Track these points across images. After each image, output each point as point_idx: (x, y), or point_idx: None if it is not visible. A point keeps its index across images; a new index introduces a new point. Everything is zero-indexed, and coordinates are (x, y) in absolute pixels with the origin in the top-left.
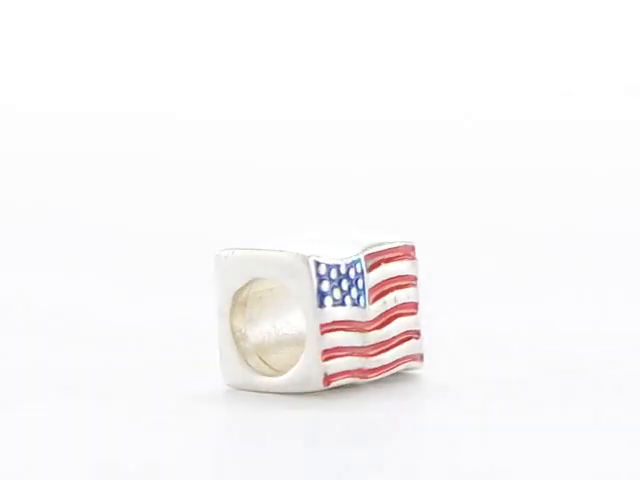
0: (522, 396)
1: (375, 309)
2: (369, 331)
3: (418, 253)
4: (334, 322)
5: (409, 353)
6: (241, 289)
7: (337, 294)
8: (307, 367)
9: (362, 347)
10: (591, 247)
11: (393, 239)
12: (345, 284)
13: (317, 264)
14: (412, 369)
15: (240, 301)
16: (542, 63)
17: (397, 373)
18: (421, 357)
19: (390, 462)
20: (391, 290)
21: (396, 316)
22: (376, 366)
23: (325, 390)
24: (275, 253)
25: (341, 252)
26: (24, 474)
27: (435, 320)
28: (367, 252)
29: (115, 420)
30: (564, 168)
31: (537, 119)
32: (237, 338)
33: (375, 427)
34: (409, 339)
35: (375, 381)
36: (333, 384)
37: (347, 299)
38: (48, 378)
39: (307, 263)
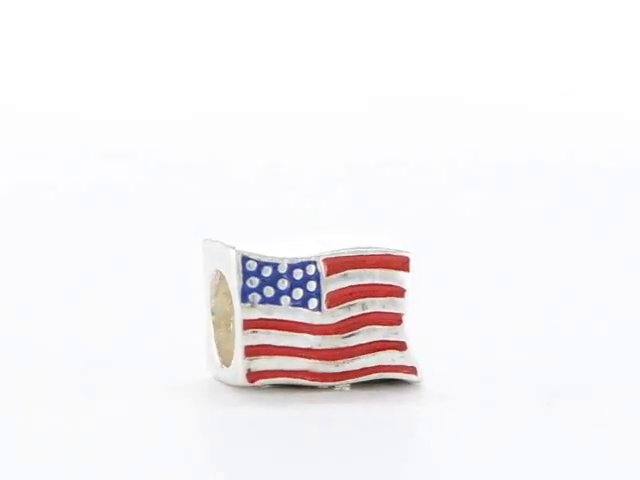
0: (516, 399)
1: (336, 314)
2: (325, 334)
3: (421, 261)
4: (261, 319)
5: (387, 363)
6: (215, 279)
7: (269, 292)
8: (235, 362)
9: (311, 350)
10: (585, 249)
11: (376, 247)
12: (284, 283)
13: (245, 259)
14: (405, 381)
15: (223, 291)
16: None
17: (390, 380)
18: (413, 370)
19: (384, 464)
20: (359, 297)
21: (365, 324)
22: (336, 371)
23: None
24: (222, 246)
25: (294, 253)
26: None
27: (430, 324)
28: (327, 256)
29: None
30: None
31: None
32: (216, 326)
33: (368, 428)
34: (385, 349)
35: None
36: (262, 382)
37: (283, 299)
38: (37, 366)
39: (236, 257)
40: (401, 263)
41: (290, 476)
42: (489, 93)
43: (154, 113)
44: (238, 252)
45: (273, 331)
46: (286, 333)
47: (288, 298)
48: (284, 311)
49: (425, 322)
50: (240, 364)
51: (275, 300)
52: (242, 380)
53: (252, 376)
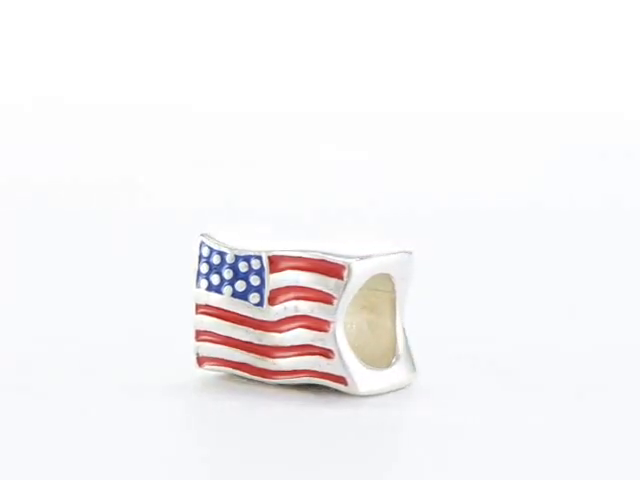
0: (515, 401)
1: (276, 311)
2: (265, 331)
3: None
4: (207, 306)
5: (314, 368)
6: None
7: (215, 280)
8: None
9: (251, 343)
10: (583, 249)
11: (315, 251)
12: (228, 273)
13: (202, 245)
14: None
15: None
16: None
17: None
18: (342, 380)
19: (375, 466)
20: (294, 298)
21: (297, 326)
22: (273, 369)
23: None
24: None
25: (248, 245)
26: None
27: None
28: (273, 253)
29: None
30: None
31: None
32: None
33: (360, 429)
34: (311, 354)
35: None
36: (208, 366)
37: (225, 289)
38: (35, 365)
39: (198, 242)
40: (335, 270)
41: (281, 476)
42: (488, 92)
43: (154, 114)
44: (200, 237)
45: (215, 319)
46: (227, 323)
47: (230, 289)
48: (225, 301)
49: (424, 322)
50: (193, 347)
51: (218, 289)
52: (195, 363)
53: (200, 360)
